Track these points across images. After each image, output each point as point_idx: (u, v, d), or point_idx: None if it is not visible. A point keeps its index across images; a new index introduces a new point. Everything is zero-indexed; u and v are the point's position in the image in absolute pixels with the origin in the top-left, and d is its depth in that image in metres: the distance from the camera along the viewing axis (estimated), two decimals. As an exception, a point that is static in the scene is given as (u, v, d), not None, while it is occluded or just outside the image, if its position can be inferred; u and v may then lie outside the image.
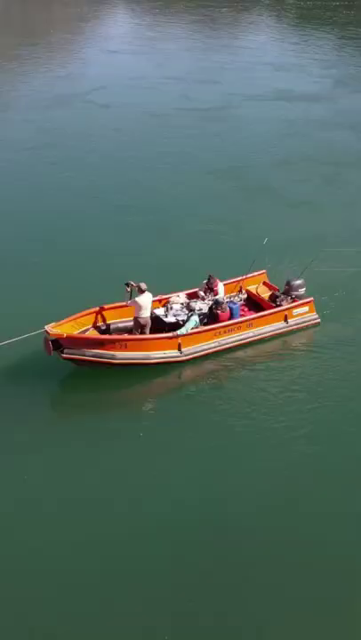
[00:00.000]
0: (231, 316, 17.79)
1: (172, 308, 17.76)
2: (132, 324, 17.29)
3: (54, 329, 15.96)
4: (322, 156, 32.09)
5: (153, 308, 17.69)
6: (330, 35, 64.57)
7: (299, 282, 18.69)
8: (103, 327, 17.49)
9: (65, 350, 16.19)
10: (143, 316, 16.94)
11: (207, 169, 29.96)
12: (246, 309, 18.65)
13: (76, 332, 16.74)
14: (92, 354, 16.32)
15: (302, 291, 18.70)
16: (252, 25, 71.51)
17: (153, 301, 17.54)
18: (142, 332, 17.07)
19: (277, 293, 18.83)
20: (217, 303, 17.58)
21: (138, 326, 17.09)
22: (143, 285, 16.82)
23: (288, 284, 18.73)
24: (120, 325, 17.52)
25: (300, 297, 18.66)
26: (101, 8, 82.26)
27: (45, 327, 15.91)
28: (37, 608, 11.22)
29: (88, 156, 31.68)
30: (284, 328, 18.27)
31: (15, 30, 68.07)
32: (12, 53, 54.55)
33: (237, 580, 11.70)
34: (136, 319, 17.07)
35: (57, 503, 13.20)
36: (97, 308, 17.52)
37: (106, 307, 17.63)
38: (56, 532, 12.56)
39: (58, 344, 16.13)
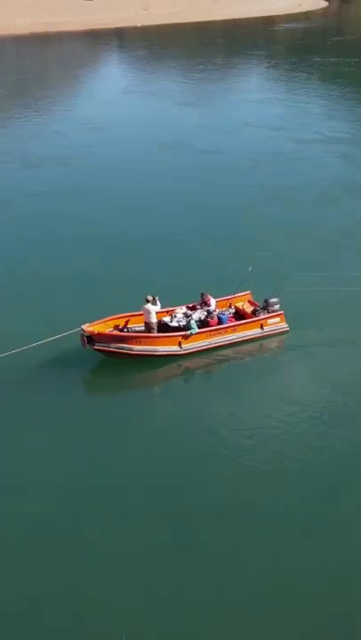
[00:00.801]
0: (220, 324, 23.89)
1: (175, 317, 23.91)
2: (143, 327, 23.56)
3: (89, 327, 22.23)
4: (317, 193, 38.54)
5: (162, 317, 23.88)
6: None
7: (274, 300, 24.66)
8: (124, 329, 23.72)
9: (96, 344, 22.43)
10: (151, 320, 23.18)
11: (212, 207, 36.82)
12: (234, 320, 24.67)
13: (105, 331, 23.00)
14: (115, 346, 22.52)
15: (277, 307, 24.65)
16: (288, 80, 78.81)
17: (162, 312, 23.76)
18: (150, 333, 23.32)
19: (258, 308, 24.88)
20: (208, 313, 23.75)
21: (147, 328, 23.33)
22: (149, 297, 23.05)
23: (266, 301, 24.73)
24: (136, 328, 23.71)
25: (275, 311, 24.68)
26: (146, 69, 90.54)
27: (82, 326, 22.20)
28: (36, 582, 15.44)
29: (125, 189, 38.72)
30: (260, 334, 24.25)
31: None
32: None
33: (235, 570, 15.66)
34: (146, 323, 23.34)
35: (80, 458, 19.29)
36: (119, 315, 23.76)
37: (126, 314, 23.85)
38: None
39: (91, 339, 22.36)
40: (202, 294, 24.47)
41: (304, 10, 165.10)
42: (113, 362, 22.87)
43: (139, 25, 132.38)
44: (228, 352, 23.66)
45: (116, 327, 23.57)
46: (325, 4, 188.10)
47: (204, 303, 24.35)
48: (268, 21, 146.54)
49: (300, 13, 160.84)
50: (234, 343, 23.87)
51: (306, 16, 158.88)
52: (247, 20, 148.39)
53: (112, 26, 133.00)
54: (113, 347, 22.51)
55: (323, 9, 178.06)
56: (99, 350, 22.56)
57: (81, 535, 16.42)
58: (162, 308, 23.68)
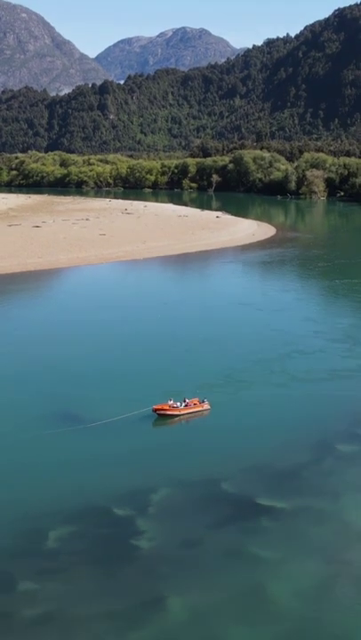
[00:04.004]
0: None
1: (177, 403, 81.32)
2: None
3: (154, 406, 79.65)
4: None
5: (173, 404, 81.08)
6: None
7: (206, 400, 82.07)
8: (167, 407, 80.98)
9: (157, 411, 79.61)
10: (170, 406, 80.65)
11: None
12: (193, 406, 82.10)
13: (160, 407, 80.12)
14: (161, 412, 79.81)
15: (207, 402, 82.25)
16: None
17: (173, 403, 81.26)
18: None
19: (201, 402, 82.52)
20: (187, 404, 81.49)
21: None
22: (170, 399, 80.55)
23: (203, 400, 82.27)
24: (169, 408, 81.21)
25: (205, 403, 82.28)
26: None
27: (152, 406, 79.63)
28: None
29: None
30: (201, 410, 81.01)
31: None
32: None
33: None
34: (168, 405, 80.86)
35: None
36: (163, 404, 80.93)
37: (164, 403, 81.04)
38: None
39: (155, 410, 79.51)
40: (184, 398, 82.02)
41: (257, 239, 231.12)
42: (159, 418, 79.71)
43: (141, 258, 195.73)
44: (191, 416, 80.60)
45: (162, 407, 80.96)
46: (274, 230, 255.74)
47: (184, 401, 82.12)
48: (232, 249, 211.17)
49: (257, 242, 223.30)
50: (194, 412, 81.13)
51: (261, 244, 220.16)
52: (216, 249, 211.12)
53: (123, 258, 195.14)
54: (160, 412, 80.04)
55: (272, 236, 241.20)
56: (158, 413, 79.73)
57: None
58: (173, 402, 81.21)
